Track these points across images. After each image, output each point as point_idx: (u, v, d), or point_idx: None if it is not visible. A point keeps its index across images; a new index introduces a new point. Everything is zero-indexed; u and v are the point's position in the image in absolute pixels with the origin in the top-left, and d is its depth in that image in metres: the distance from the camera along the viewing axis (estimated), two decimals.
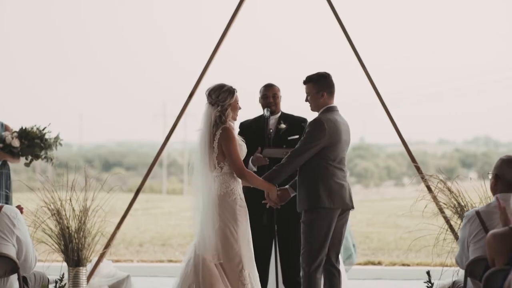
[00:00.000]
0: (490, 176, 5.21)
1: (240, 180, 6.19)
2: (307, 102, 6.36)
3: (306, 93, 6.34)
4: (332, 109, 6.31)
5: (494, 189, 5.16)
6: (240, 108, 6.28)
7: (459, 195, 7.30)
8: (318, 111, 6.33)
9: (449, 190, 7.32)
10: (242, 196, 6.20)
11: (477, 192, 7.27)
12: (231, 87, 6.23)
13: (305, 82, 6.36)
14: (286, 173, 6.26)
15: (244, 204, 6.20)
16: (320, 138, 6.14)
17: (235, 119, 6.30)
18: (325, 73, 6.37)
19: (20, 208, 5.82)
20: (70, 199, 7.56)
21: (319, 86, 6.29)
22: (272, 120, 6.90)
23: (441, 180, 7.38)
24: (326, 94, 6.29)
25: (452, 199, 7.32)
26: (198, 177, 6.18)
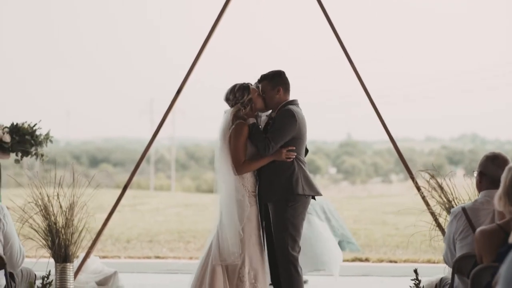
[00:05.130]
0: (475, 174, 5.23)
1: (249, 175, 6.24)
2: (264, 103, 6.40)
3: (262, 92, 6.38)
4: (294, 103, 6.39)
5: (480, 186, 5.17)
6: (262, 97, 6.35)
7: (451, 193, 7.30)
8: (276, 108, 6.38)
9: (440, 187, 7.32)
10: (254, 192, 6.26)
11: (466, 189, 7.27)
12: (243, 83, 6.32)
13: (259, 81, 6.41)
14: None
15: (254, 200, 6.26)
16: (292, 129, 6.23)
17: (253, 115, 6.33)
18: (280, 70, 6.44)
19: None
20: (58, 195, 7.54)
21: (274, 82, 6.37)
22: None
23: (432, 176, 7.36)
24: (282, 90, 6.37)
25: (442, 196, 7.32)
26: (219, 174, 6.26)
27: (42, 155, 8.03)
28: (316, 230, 7.68)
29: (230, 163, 6.17)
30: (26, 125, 8.01)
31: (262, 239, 6.31)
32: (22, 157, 8.05)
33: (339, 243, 8.16)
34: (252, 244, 6.19)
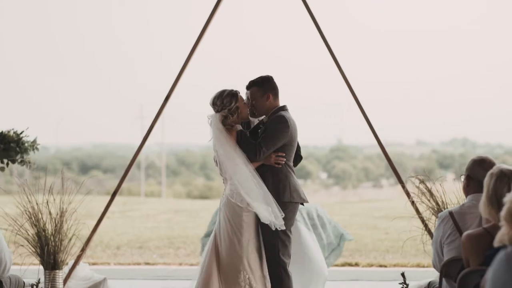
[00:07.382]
0: (462, 178, 5.25)
1: None
2: (252, 109, 6.34)
3: (250, 98, 6.30)
4: (285, 108, 6.34)
5: (467, 190, 5.20)
6: (249, 106, 6.31)
7: (440, 197, 7.31)
8: (267, 115, 6.34)
9: (430, 192, 7.32)
10: None
11: (455, 193, 7.29)
12: (232, 90, 6.25)
13: (248, 87, 6.34)
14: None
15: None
16: (285, 136, 6.19)
17: (239, 122, 6.32)
18: (268, 75, 6.36)
19: None
20: (47, 202, 7.53)
21: (264, 89, 6.30)
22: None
23: (421, 181, 7.37)
24: (271, 96, 6.30)
25: (431, 201, 7.33)
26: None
27: (29, 162, 8.02)
28: (304, 244, 7.55)
29: (243, 157, 6.13)
30: (12, 133, 7.99)
31: (261, 244, 6.26)
32: (7, 164, 8.03)
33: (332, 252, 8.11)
34: (250, 250, 6.17)
